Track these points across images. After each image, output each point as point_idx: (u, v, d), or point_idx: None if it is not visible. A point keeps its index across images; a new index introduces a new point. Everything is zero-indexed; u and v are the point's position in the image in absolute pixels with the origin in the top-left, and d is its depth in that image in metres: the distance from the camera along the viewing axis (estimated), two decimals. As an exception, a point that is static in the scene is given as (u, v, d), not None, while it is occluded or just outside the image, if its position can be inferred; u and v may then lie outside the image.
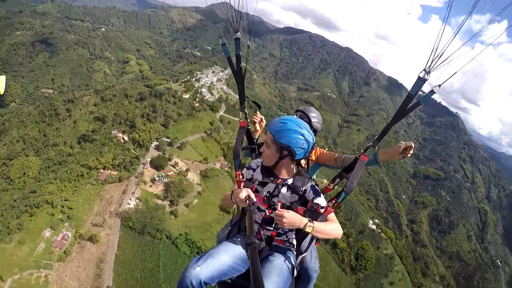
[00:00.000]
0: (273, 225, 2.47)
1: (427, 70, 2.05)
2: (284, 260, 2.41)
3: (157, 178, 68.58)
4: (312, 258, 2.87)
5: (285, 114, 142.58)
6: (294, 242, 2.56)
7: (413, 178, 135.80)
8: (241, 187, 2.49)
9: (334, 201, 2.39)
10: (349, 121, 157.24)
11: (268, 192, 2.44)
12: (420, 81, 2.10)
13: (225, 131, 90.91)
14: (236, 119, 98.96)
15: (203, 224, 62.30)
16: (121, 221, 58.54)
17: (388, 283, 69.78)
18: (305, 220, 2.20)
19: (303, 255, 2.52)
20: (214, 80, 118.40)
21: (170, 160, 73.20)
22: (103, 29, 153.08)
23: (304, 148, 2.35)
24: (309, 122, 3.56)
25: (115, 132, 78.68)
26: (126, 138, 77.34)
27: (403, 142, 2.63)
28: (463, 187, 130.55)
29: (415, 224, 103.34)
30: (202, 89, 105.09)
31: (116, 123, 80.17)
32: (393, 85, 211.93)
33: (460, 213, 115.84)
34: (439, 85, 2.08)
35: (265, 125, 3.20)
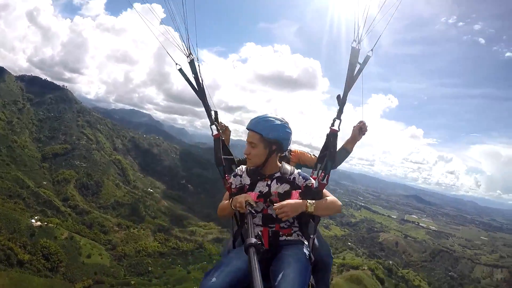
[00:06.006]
0: (275, 220, 2.45)
1: (357, 41, 2.45)
2: (297, 250, 2.36)
3: None
4: (322, 244, 2.89)
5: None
6: (301, 232, 2.57)
7: (44, 162, 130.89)
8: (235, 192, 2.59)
9: (323, 174, 2.53)
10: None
11: (260, 191, 2.50)
12: (356, 50, 2.49)
13: None
14: None
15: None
16: None
17: (86, 257, 75.58)
18: (305, 201, 2.32)
19: (313, 237, 2.54)
20: None
21: None
22: None
23: (288, 139, 2.50)
24: None
25: None
26: None
27: (356, 125, 3.07)
28: (92, 149, 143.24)
29: (69, 200, 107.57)
30: None
31: None
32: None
33: (100, 172, 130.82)
34: (371, 49, 2.51)
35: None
